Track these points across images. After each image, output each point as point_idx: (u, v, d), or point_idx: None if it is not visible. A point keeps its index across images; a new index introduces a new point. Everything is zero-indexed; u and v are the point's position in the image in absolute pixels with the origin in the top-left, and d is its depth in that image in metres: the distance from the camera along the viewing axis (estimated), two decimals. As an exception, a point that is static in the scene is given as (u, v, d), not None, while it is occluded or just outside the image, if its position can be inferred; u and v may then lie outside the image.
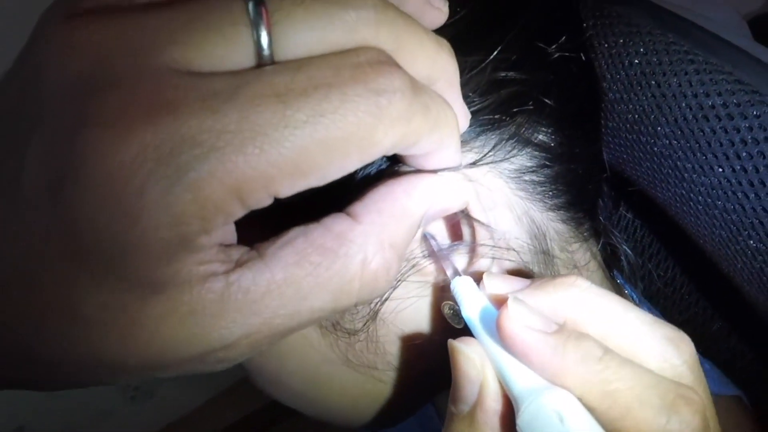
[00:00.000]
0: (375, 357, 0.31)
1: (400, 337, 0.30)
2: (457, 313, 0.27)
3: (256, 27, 0.18)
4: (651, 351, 0.23)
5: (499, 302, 0.23)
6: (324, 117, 0.18)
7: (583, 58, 0.32)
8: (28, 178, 0.18)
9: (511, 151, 0.29)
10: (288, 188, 0.19)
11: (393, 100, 0.19)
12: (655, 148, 0.31)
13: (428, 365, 0.31)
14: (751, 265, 0.30)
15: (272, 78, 0.18)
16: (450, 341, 0.24)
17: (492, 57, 0.28)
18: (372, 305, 0.30)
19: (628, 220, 0.42)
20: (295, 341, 0.31)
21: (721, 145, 0.28)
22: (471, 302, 0.25)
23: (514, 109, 0.28)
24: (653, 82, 0.30)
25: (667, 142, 0.30)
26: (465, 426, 0.23)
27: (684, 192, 0.31)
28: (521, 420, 0.21)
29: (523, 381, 0.22)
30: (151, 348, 0.19)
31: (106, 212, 0.17)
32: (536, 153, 0.29)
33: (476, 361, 0.23)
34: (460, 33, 0.27)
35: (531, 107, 0.28)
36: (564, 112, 0.29)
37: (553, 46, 0.30)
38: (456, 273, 0.27)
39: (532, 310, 0.23)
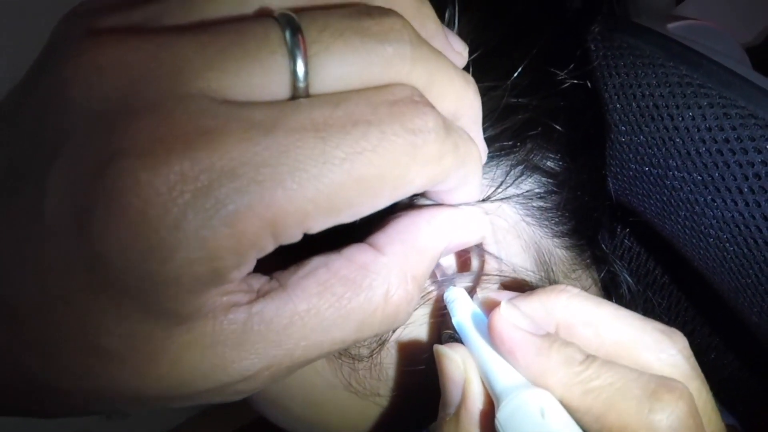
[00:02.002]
0: (378, 383, 0.31)
1: (404, 363, 0.30)
2: (453, 338, 0.27)
3: (293, 57, 0.17)
4: (645, 345, 0.23)
5: (491, 309, 0.24)
6: (362, 155, 0.17)
7: (590, 85, 0.32)
8: (51, 206, 0.17)
9: (520, 177, 0.29)
10: (320, 224, 0.18)
11: (428, 141, 0.19)
12: (666, 181, 0.31)
13: (430, 392, 0.31)
14: (762, 299, 0.30)
15: (311, 112, 0.17)
16: (435, 346, 0.25)
17: (506, 83, 0.28)
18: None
19: (628, 247, 0.42)
20: None
21: (735, 179, 0.28)
22: (462, 309, 0.25)
23: (525, 135, 0.28)
24: (666, 115, 0.30)
25: (679, 174, 0.30)
26: (451, 428, 0.23)
27: (694, 225, 0.31)
28: (500, 414, 0.21)
29: (505, 380, 0.22)
30: (171, 379, 0.18)
31: (139, 246, 0.16)
32: (544, 179, 0.29)
33: (459, 362, 0.24)
34: (472, 58, 0.27)
35: (540, 133, 0.29)
36: (571, 138, 0.30)
37: (563, 73, 0.30)
38: (450, 284, 0.27)
39: (523, 313, 0.23)
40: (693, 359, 0.24)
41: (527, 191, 0.29)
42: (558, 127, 0.29)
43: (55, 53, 0.18)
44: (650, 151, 0.31)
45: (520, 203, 0.29)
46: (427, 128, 0.19)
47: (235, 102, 0.17)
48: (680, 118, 0.30)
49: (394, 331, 0.29)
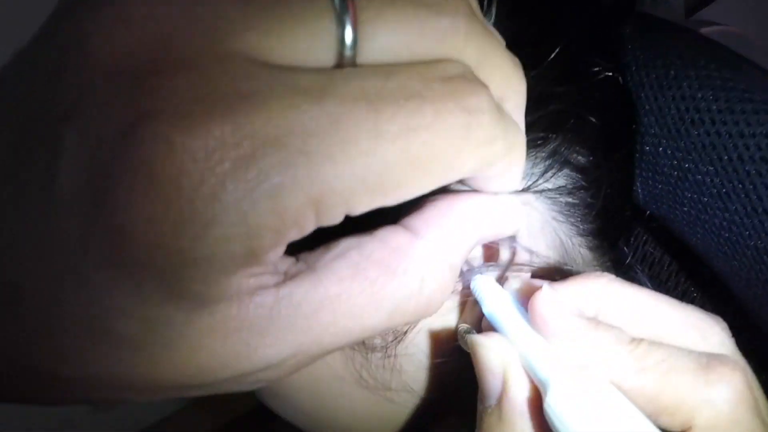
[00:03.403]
0: (390, 376, 0.30)
1: (419, 356, 0.29)
2: (468, 332, 0.25)
3: (341, 23, 0.16)
4: (690, 325, 0.22)
5: (525, 296, 0.23)
6: (416, 132, 0.16)
7: (622, 82, 0.31)
8: (65, 172, 0.15)
9: (550, 170, 0.28)
10: (365, 205, 0.17)
11: (482, 122, 0.17)
12: (704, 188, 0.30)
13: (443, 388, 0.30)
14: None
15: (363, 81, 0.16)
16: (469, 336, 0.23)
17: (542, 69, 0.27)
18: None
19: (650, 253, 0.41)
20: None
21: (779, 188, 0.28)
22: (494, 297, 0.24)
23: (557, 127, 0.27)
24: (708, 119, 0.29)
25: (718, 182, 0.29)
26: (494, 420, 0.22)
27: (730, 236, 0.30)
28: (550, 400, 0.20)
29: (551, 365, 0.21)
30: (189, 368, 0.17)
31: (169, 219, 0.14)
32: (573, 174, 0.28)
33: (498, 350, 0.22)
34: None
35: (572, 126, 0.28)
36: (603, 134, 0.29)
37: (597, 65, 0.29)
38: (477, 272, 0.26)
39: (565, 296, 0.22)
40: (734, 344, 0.23)
41: (557, 186, 0.28)
42: (592, 119, 0.28)
43: (73, 7, 0.16)
44: (688, 156, 0.30)
45: (549, 198, 0.28)
46: (481, 108, 0.17)
47: (279, 66, 0.16)
48: (722, 123, 0.29)
49: (412, 325, 0.28)
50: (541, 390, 0.21)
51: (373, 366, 0.29)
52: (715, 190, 0.30)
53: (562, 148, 0.28)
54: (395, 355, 0.29)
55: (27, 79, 0.17)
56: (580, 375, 0.20)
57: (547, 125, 0.27)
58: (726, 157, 0.29)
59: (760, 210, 0.28)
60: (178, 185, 0.14)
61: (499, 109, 0.18)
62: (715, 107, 0.29)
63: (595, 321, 0.22)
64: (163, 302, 0.16)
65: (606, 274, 0.23)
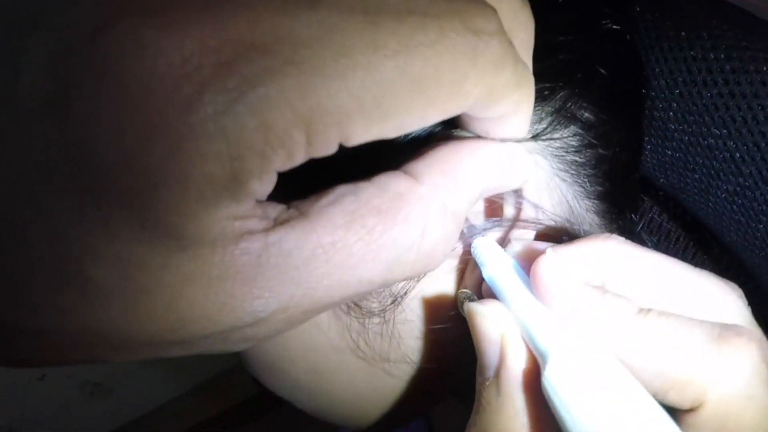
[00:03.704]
0: (389, 346, 0.28)
1: (418, 323, 0.28)
2: (468, 298, 0.24)
3: None
4: (705, 290, 0.21)
5: (529, 260, 0.21)
6: (417, 49, 0.15)
7: (630, 39, 0.30)
8: (26, 85, 0.13)
9: (556, 124, 0.26)
10: (361, 133, 0.15)
11: (490, 45, 0.16)
12: (716, 152, 0.29)
13: (442, 360, 0.29)
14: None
15: None
16: (467, 304, 0.22)
17: (549, 17, 0.25)
18: (401, 284, 0.26)
19: (659, 224, 0.40)
20: (303, 325, 0.29)
21: (795, 150, 0.26)
22: (495, 260, 0.22)
23: (565, 78, 0.26)
24: (720, 80, 0.28)
25: (732, 144, 0.28)
26: (492, 392, 0.20)
27: (744, 201, 0.29)
28: (548, 373, 0.18)
29: (552, 335, 0.19)
30: (167, 320, 0.15)
31: (137, 130, 0.13)
32: (580, 131, 0.27)
33: (494, 318, 0.21)
34: None
35: (580, 78, 0.26)
36: (611, 90, 0.27)
37: (606, 19, 0.27)
38: (479, 234, 0.25)
39: (570, 262, 0.20)
40: (750, 312, 0.21)
41: (564, 141, 0.26)
42: (602, 71, 0.26)
43: None
44: (700, 118, 0.29)
45: (556, 155, 0.26)
46: (489, 30, 0.16)
47: None
48: (737, 84, 0.27)
49: (411, 286, 0.26)
50: (540, 362, 0.20)
51: (370, 334, 0.28)
52: (728, 154, 0.29)
53: (569, 103, 0.26)
54: (393, 322, 0.27)
55: None
56: (582, 348, 0.19)
57: (554, 75, 0.26)
58: (740, 119, 0.28)
59: (775, 173, 0.27)
60: (149, 91, 0.13)
61: (507, 36, 0.17)
62: (728, 67, 0.28)
63: (601, 290, 0.20)
64: (135, 240, 0.14)
65: (615, 235, 0.22)
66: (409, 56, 0.15)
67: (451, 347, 0.28)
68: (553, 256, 0.20)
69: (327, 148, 0.15)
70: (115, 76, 0.13)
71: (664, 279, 0.21)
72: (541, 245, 0.23)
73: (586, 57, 0.26)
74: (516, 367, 0.20)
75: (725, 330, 0.19)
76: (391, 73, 0.15)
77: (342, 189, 0.17)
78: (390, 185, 0.18)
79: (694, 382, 0.19)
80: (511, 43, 0.17)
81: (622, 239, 0.22)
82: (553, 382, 0.18)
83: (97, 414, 1.00)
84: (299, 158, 0.15)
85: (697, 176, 0.31)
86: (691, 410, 0.19)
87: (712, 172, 0.30)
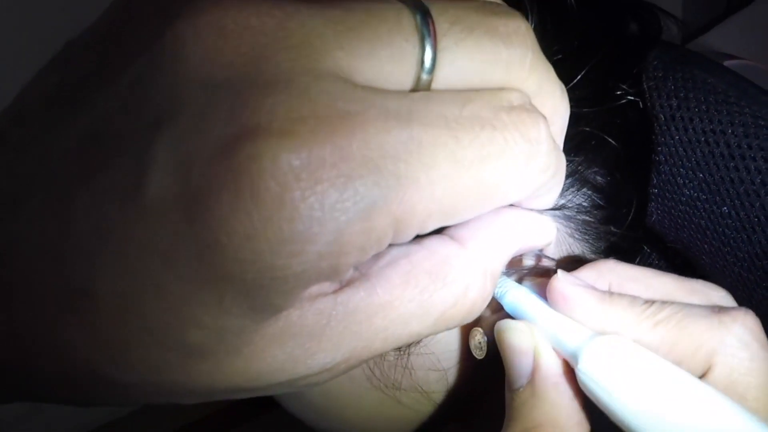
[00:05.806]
0: (401, 376, 0.30)
1: (431, 357, 0.30)
2: (480, 346, 0.27)
3: (423, 46, 0.16)
4: (694, 290, 0.24)
5: (541, 287, 0.24)
6: (488, 159, 0.17)
7: (641, 106, 0.32)
8: (155, 184, 0.14)
9: (571, 189, 0.29)
10: (435, 225, 0.17)
11: (541, 152, 0.18)
12: (725, 220, 0.31)
13: (453, 392, 0.31)
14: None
15: (442, 107, 0.16)
16: (499, 323, 0.24)
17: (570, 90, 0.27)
18: None
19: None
20: None
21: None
22: (514, 289, 0.25)
23: (581, 147, 0.28)
24: (738, 155, 0.30)
25: (744, 215, 0.30)
26: (527, 397, 0.23)
27: (753, 258, 0.31)
28: (582, 366, 0.21)
29: (577, 336, 0.22)
30: (248, 373, 0.17)
31: (268, 237, 0.14)
32: (591, 193, 0.29)
33: (526, 330, 0.23)
34: None
35: (594, 146, 0.29)
36: (622, 155, 0.30)
37: (620, 91, 0.30)
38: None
39: (579, 276, 0.24)
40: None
41: (577, 204, 0.29)
42: (612, 141, 0.29)
43: (161, 7, 0.16)
44: (715, 188, 0.31)
45: (567, 216, 0.29)
46: (541, 139, 0.18)
47: (367, 87, 0.16)
48: (753, 160, 0.30)
49: None
50: (572, 362, 0.22)
51: (385, 366, 0.30)
52: (739, 224, 0.31)
53: (583, 168, 0.29)
54: (408, 354, 0.29)
55: (101, 76, 0.16)
56: (605, 338, 0.21)
57: (570, 146, 0.28)
58: (754, 193, 0.30)
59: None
60: (281, 203, 0.14)
61: (554, 139, 0.19)
62: (745, 143, 0.30)
63: (608, 292, 0.23)
64: (240, 315, 0.16)
65: (611, 258, 0.25)
66: (481, 165, 0.17)
67: (462, 381, 0.30)
68: (563, 273, 0.23)
69: (406, 238, 0.17)
70: (250, 188, 0.14)
71: (660, 283, 0.24)
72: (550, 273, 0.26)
73: (600, 127, 0.29)
74: (550, 368, 0.23)
75: (723, 307, 0.22)
76: (468, 181, 0.17)
77: (396, 252, 0.19)
78: (439, 249, 0.20)
79: (702, 349, 0.21)
80: (556, 145, 0.19)
81: (618, 261, 0.25)
82: (590, 370, 0.21)
83: (93, 408, 0.98)
84: (385, 246, 0.17)
85: (707, 239, 0.33)
86: (702, 376, 0.22)
87: (723, 238, 0.32)
